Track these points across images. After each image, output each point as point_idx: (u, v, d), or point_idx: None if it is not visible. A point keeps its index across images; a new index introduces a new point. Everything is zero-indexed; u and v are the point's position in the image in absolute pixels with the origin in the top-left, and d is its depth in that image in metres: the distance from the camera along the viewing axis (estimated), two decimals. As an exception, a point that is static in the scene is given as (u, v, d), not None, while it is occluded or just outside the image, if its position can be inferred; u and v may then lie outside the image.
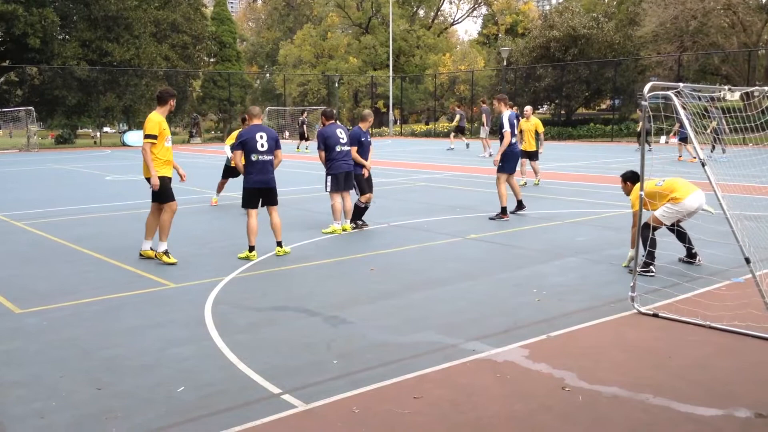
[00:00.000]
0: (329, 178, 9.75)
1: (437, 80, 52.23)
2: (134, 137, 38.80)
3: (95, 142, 42.16)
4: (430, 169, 20.29)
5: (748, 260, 5.17)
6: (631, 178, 7.57)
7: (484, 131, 26.02)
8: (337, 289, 6.91)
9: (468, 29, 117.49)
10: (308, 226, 10.49)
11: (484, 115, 26.20)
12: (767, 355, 4.98)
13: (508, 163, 11.04)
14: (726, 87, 5.87)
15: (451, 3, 69.16)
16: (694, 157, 19.45)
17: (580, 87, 41.80)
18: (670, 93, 5.64)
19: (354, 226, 10.19)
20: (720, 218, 5.84)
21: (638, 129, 28.15)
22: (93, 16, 37.59)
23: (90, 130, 54.37)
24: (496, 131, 12.22)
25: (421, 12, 67.10)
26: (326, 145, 9.74)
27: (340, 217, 9.90)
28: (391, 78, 50.59)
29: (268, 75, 67.04)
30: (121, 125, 48.42)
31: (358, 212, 10.29)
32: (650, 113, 6.01)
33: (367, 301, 6.46)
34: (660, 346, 5.13)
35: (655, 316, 5.78)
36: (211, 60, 57.52)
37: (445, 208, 12.34)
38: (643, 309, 5.90)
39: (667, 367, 4.72)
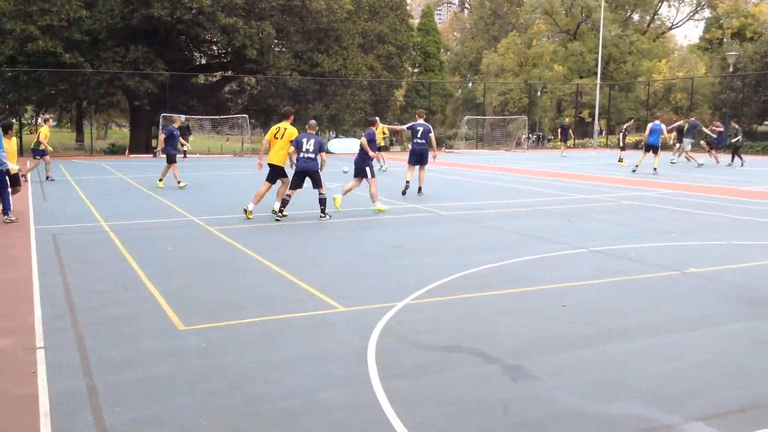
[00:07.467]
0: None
1: (651, 88, 48.42)
2: (337, 145, 40.14)
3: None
4: (637, 186, 18.33)
5: None
6: None
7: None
8: (521, 329, 5.92)
9: (688, 34, 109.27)
10: (498, 246, 9.55)
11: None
12: None
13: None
14: None
15: (670, 6, 63.78)
16: None
17: (824, 97, 36.55)
18: None
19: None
20: None
21: None
22: (306, 28, 39.40)
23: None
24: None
25: (636, 16, 62.93)
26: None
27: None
28: (598, 86, 47.81)
29: (470, 84, 66.65)
30: (330, 133, 50.48)
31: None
32: None
33: (557, 348, 5.40)
34: None
35: None
36: (415, 70, 58.27)
37: (655, 232, 10.75)
38: None
39: None
